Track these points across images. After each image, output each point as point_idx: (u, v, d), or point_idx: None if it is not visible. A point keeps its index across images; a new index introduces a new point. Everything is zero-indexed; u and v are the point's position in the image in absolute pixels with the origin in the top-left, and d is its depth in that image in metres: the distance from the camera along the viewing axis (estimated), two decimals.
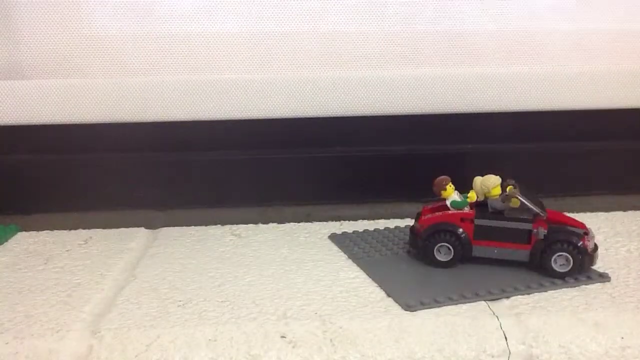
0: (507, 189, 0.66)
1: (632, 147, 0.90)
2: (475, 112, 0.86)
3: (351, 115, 0.85)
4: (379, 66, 0.88)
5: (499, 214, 0.66)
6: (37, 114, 0.82)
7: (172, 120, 0.84)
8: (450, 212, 0.67)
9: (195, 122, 0.84)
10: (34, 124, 0.82)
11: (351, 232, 0.79)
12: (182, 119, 0.84)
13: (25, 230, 0.81)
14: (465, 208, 0.67)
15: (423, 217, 0.69)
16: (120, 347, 0.54)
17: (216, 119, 0.84)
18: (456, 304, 0.59)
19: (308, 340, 0.54)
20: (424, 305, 0.59)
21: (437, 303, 0.59)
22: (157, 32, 0.85)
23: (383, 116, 0.86)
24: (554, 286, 0.62)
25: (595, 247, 0.66)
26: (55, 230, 0.81)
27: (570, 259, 0.64)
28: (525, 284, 0.63)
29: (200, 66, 0.86)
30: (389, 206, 0.87)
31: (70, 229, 0.81)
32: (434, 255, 0.67)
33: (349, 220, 0.83)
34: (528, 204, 0.65)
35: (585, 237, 0.65)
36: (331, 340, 0.54)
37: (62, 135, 0.84)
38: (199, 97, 0.83)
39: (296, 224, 0.83)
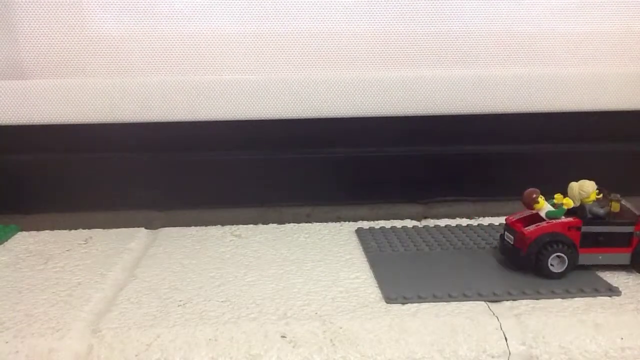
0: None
1: (632, 148, 0.90)
2: (474, 113, 0.86)
3: (351, 116, 0.85)
4: (379, 67, 0.88)
5: (600, 219, 0.65)
6: (38, 113, 0.82)
7: (172, 120, 0.84)
8: (557, 221, 0.65)
9: (195, 122, 0.84)
10: (34, 124, 0.82)
11: (378, 228, 0.81)
12: (182, 119, 0.84)
13: (26, 230, 0.81)
14: (562, 216, 0.66)
15: (527, 229, 0.65)
16: (120, 346, 0.54)
17: (216, 119, 0.84)
18: (439, 301, 0.60)
19: (308, 340, 0.54)
20: (406, 299, 0.60)
21: (420, 299, 0.60)
22: (158, 32, 0.85)
23: (382, 117, 0.86)
24: (560, 295, 0.61)
25: None
26: (56, 230, 0.81)
27: None
28: (521, 289, 0.62)
29: (201, 66, 0.86)
30: (389, 207, 0.87)
31: (71, 229, 0.82)
32: (547, 267, 0.64)
33: (348, 221, 0.84)
34: (629, 207, 0.65)
35: None
36: (331, 340, 0.54)
37: (62, 135, 0.84)
38: (199, 97, 0.83)
39: (296, 224, 0.83)
